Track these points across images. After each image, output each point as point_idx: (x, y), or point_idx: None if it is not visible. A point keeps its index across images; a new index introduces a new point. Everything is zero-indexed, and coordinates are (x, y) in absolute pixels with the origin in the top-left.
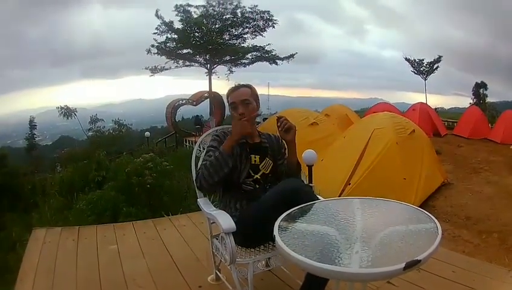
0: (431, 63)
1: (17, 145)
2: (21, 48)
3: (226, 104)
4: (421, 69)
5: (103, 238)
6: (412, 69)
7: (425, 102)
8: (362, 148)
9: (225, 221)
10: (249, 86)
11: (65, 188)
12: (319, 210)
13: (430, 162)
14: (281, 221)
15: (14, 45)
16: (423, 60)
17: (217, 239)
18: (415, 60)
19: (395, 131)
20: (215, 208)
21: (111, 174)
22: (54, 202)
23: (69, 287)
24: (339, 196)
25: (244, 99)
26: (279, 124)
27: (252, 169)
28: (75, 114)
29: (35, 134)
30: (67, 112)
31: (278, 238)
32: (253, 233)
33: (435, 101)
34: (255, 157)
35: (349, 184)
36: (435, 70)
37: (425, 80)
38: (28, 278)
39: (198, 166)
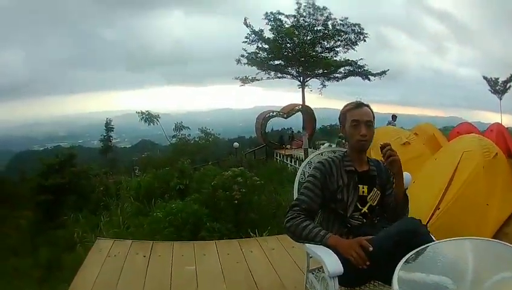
0: (505, 82)
1: (89, 145)
2: (94, 49)
3: (315, 116)
4: (497, 88)
5: (180, 257)
6: (489, 88)
7: (500, 122)
8: (452, 171)
9: (332, 263)
10: (369, 106)
11: (142, 193)
12: (435, 254)
13: (507, 187)
14: (399, 270)
15: (86, 46)
16: (498, 78)
17: (313, 274)
18: (491, 79)
19: (482, 154)
20: (317, 245)
21: (194, 184)
22: (127, 206)
23: None
24: (428, 221)
25: (368, 121)
26: (383, 155)
27: (359, 201)
28: (157, 120)
29: (111, 136)
30: (148, 118)
31: None
32: (360, 274)
33: (507, 120)
34: (363, 188)
35: (439, 209)
36: (508, 90)
37: (500, 99)
38: None
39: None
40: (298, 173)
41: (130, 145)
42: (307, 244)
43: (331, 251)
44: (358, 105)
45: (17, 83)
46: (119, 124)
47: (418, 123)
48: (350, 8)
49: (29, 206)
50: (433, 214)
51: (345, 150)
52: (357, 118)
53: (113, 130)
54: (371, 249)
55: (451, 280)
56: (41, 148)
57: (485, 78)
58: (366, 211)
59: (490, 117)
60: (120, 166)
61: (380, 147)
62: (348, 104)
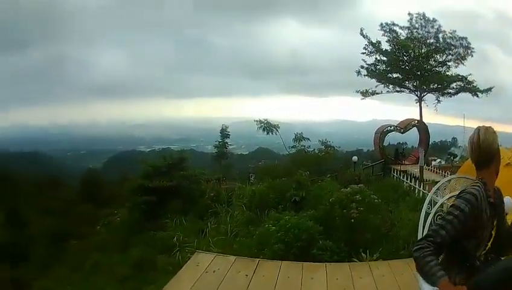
0: None
1: (203, 150)
2: (206, 55)
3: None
4: None
5: (285, 279)
6: None
7: None
8: None
9: None
10: None
11: (255, 202)
12: None
13: None
14: None
15: (197, 51)
16: None
17: None
18: None
19: None
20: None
21: (311, 198)
22: (238, 215)
23: None
24: None
25: None
26: None
27: (489, 236)
28: (276, 129)
29: (227, 142)
30: (267, 127)
31: None
32: None
33: None
34: (494, 221)
35: None
36: None
37: None
38: None
39: (427, 224)
40: (425, 203)
41: (247, 152)
42: (420, 281)
43: None
44: None
45: (122, 84)
46: (236, 130)
47: None
48: (446, 23)
49: (127, 205)
50: None
51: (471, 177)
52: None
53: (229, 137)
54: None
55: None
56: (148, 150)
57: None
58: (490, 245)
59: None
60: (235, 173)
61: None
62: (494, 132)
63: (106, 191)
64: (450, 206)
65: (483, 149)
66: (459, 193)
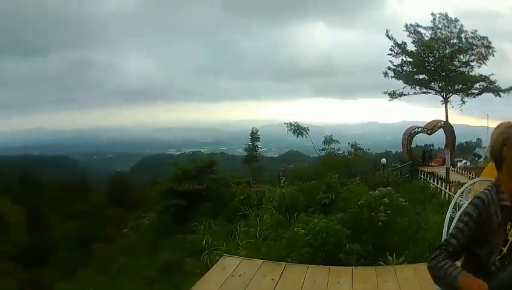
0: None
1: (234, 153)
2: (234, 59)
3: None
4: None
5: (312, 283)
6: None
7: None
8: None
9: None
10: None
11: (285, 205)
12: None
13: None
14: None
15: (225, 55)
16: None
17: None
18: None
19: None
20: None
21: (340, 201)
22: (267, 217)
23: None
24: None
25: None
26: None
27: (503, 242)
28: (306, 132)
29: (257, 145)
30: (297, 130)
31: None
32: None
33: None
34: (509, 226)
35: None
36: None
37: None
38: None
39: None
40: (450, 207)
41: (277, 155)
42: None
43: None
44: None
45: (150, 88)
46: (266, 133)
47: None
48: (465, 23)
49: (156, 209)
50: None
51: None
52: None
53: (259, 140)
54: None
55: None
56: (178, 153)
57: None
58: (506, 251)
59: None
60: (265, 176)
61: None
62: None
63: (134, 194)
64: (461, 213)
65: (492, 149)
66: (472, 199)
